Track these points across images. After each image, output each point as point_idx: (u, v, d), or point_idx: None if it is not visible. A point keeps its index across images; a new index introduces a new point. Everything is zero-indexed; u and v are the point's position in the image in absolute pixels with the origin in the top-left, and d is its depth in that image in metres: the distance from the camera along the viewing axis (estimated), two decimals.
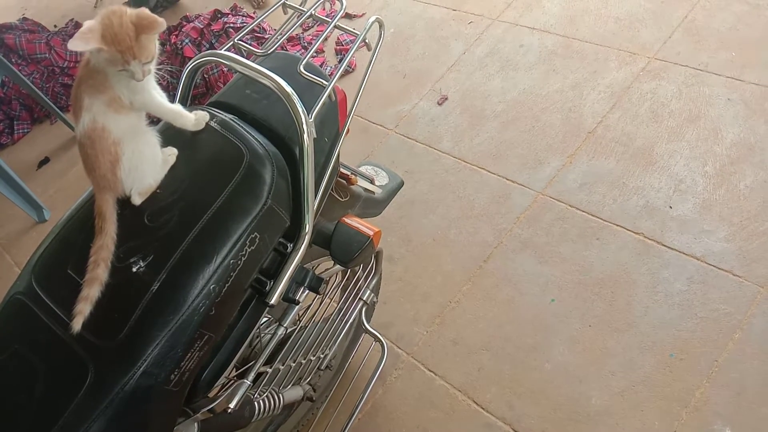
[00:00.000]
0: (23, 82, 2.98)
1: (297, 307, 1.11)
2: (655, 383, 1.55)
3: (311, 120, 0.95)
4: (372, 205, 1.42)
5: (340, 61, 2.76)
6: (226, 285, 0.89)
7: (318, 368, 1.39)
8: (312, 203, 0.99)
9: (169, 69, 2.85)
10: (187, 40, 2.81)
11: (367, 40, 1.10)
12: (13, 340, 0.88)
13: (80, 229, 0.93)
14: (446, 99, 2.43)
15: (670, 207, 1.85)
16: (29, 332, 0.88)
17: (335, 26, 1.11)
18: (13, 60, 3.16)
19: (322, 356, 1.39)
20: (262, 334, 1.28)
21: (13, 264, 2.63)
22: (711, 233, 1.76)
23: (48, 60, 3.22)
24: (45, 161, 3.08)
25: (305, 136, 0.95)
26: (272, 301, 0.97)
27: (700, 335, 1.59)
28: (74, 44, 0.81)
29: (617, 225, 1.86)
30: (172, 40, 2.86)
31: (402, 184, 1.52)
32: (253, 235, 0.92)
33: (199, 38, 2.85)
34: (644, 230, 1.82)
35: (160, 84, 0.95)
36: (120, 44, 0.82)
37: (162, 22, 0.86)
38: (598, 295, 1.74)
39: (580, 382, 1.61)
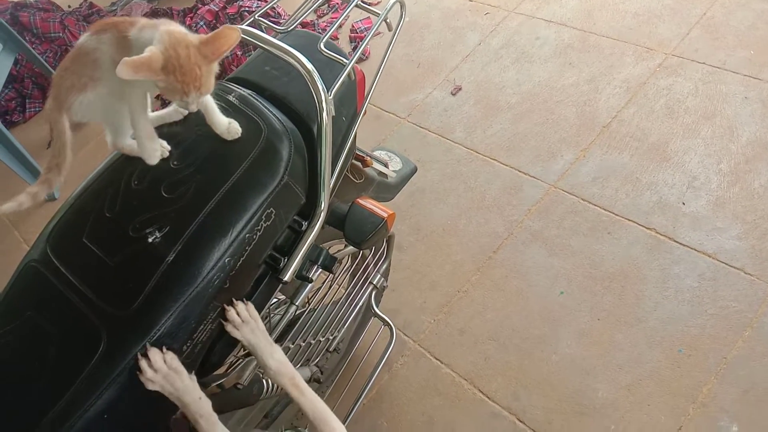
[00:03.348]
0: (37, 60, 2.98)
1: (309, 285, 1.11)
2: (663, 378, 1.55)
3: (330, 97, 0.95)
4: (385, 190, 1.42)
5: (356, 47, 2.75)
6: (241, 259, 0.89)
7: (326, 350, 1.39)
8: (328, 180, 0.99)
9: None
10: (202, 23, 2.80)
11: (388, 20, 1.09)
12: (28, 306, 0.88)
13: (95, 199, 0.93)
14: (460, 89, 2.42)
15: (683, 203, 1.83)
16: (43, 299, 0.88)
17: (356, 5, 1.10)
18: (27, 38, 3.16)
19: (331, 338, 1.39)
20: (272, 314, 1.28)
21: (22, 240, 2.64)
22: (724, 231, 1.75)
23: (62, 39, 3.22)
24: None
25: (324, 113, 0.94)
26: (286, 278, 0.97)
27: (710, 332, 1.58)
28: (123, 71, 0.76)
29: (629, 220, 1.85)
30: (187, 23, 2.86)
31: (415, 170, 1.51)
32: (269, 211, 0.92)
33: (214, 21, 2.85)
34: (656, 226, 1.81)
35: None
36: (185, 75, 0.79)
37: (231, 34, 0.81)
38: (607, 289, 1.73)
39: (587, 375, 1.60)
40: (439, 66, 2.56)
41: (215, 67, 0.83)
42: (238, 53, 2.69)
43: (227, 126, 0.93)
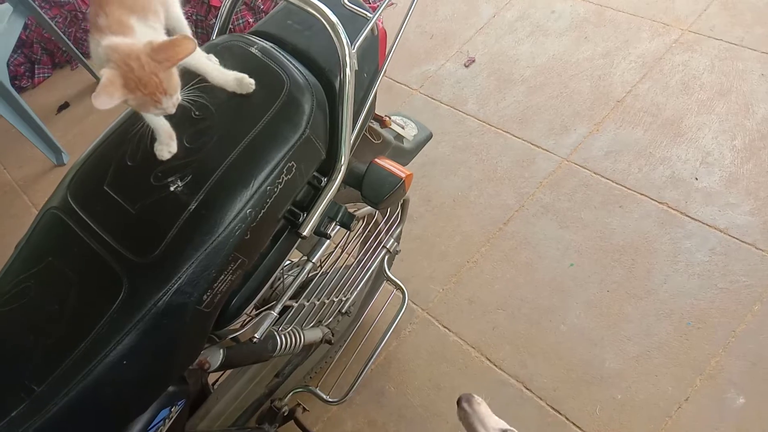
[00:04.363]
0: (47, 24, 2.96)
1: (327, 243, 1.11)
2: (671, 350, 1.56)
3: (354, 51, 0.94)
4: (400, 155, 1.41)
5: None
6: (262, 211, 0.89)
7: (339, 311, 1.40)
8: (349, 135, 0.99)
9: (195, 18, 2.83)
10: None
11: None
12: (48, 252, 0.88)
13: (117, 148, 0.93)
14: (473, 61, 2.41)
15: (696, 179, 1.83)
16: (64, 245, 0.88)
17: None
18: (36, 2, 3.13)
19: (343, 299, 1.39)
20: (285, 275, 1.28)
21: (31, 205, 2.65)
22: (736, 206, 1.74)
23: (71, 5, 3.20)
24: (65, 106, 3.07)
25: (347, 67, 0.93)
26: (305, 232, 0.97)
27: (719, 305, 1.59)
28: (100, 102, 0.73)
29: (641, 194, 1.84)
30: None
31: (431, 136, 1.50)
32: (290, 164, 0.91)
33: None
34: (668, 200, 1.81)
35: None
36: (147, 87, 0.76)
37: (187, 44, 0.77)
38: (618, 262, 1.73)
39: (594, 345, 1.61)
40: (452, 38, 2.54)
41: (174, 69, 0.80)
42: (250, 20, 2.67)
43: (237, 80, 0.91)
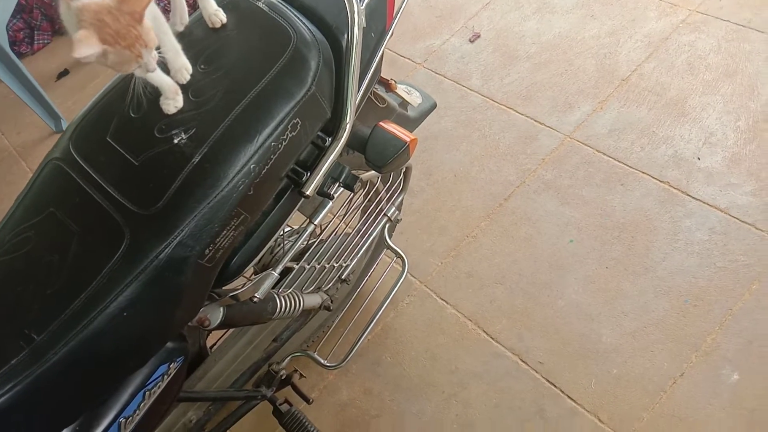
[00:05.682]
0: None
1: (329, 205, 1.10)
2: (668, 326, 1.56)
3: (363, 8, 0.93)
4: (404, 122, 1.40)
5: None
6: (266, 167, 0.88)
7: (339, 278, 1.40)
8: (355, 95, 0.97)
9: None
10: None
11: None
12: (50, 203, 0.87)
13: (120, 100, 0.92)
14: (479, 37, 2.39)
15: (699, 158, 1.83)
16: (66, 196, 0.87)
17: None
18: None
19: (344, 265, 1.39)
20: (285, 241, 1.28)
21: (29, 171, 2.64)
22: (737, 186, 1.74)
23: None
24: (64, 73, 3.05)
25: (355, 25, 0.92)
26: (308, 192, 0.96)
27: (717, 284, 1.59)
28: (81, 50, 0.70)
29: (643, 172, 1.84)
30: None
31: (435, 105, 1.49)
32: (295, 121, 0.90)
33: None
34: (670, 179, 1.80)
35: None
36: (125, 39, 0.73)
37: None
38: (617, 239, 1.73)
39: (591, 320, 1.62)
40: (457, 13, 2.52)
41: (148, 22, 0.77)
42: None
43: (180, 69, 0.87)
